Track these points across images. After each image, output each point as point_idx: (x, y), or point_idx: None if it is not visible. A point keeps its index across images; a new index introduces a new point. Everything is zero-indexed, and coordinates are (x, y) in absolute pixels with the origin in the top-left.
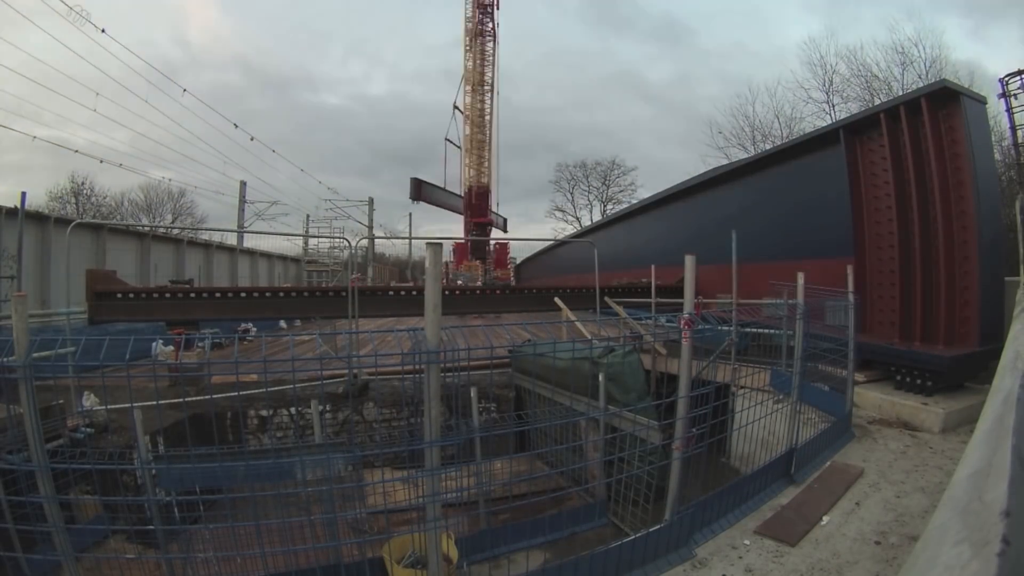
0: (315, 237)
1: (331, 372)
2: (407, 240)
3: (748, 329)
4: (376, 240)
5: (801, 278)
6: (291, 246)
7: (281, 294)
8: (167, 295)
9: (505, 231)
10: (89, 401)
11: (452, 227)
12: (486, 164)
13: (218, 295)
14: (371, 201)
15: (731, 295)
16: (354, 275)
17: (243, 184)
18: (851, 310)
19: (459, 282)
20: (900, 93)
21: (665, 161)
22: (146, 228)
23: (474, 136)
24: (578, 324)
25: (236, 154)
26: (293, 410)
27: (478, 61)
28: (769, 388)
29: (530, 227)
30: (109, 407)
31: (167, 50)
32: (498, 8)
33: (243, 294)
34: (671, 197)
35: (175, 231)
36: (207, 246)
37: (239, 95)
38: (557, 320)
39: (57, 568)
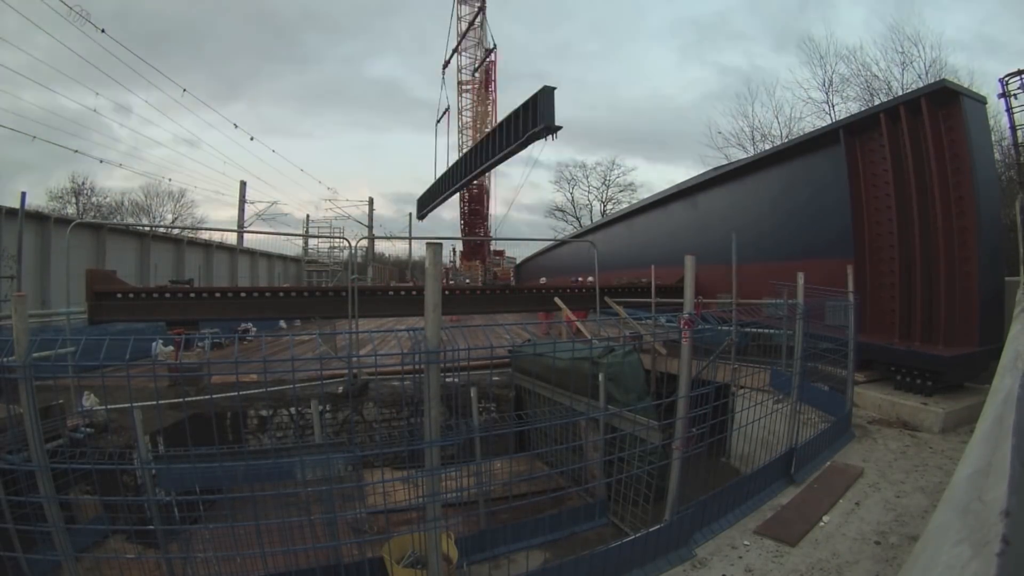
0: (315, 237)
1: (331, 372)
2: (407, 240)
3: (748, 329)
4: (376, 240)
5: (801, 278)
6: (291, 246)
7: (281, 294)
8: (167, 295)
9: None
10: (89, 401)
11: None
12: None
13: (218, 295)
14: (371, 201)
15: (731, 295)
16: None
17: (243, 184)
18: (851, 310)
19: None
20: (900, 93)
21: None
22: (146, 228)
23: None
24: (578, 324)
25: (236, 154)
26: (293, 410)
27: None
28: (769, 388)
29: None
30: (109, 407)
31: None
32: None
33: (243, 294)
34: (671, 197)
35: (175, 231)
36: (207, 246)
37: None
38: (557, 320)
39: (57, 568)
